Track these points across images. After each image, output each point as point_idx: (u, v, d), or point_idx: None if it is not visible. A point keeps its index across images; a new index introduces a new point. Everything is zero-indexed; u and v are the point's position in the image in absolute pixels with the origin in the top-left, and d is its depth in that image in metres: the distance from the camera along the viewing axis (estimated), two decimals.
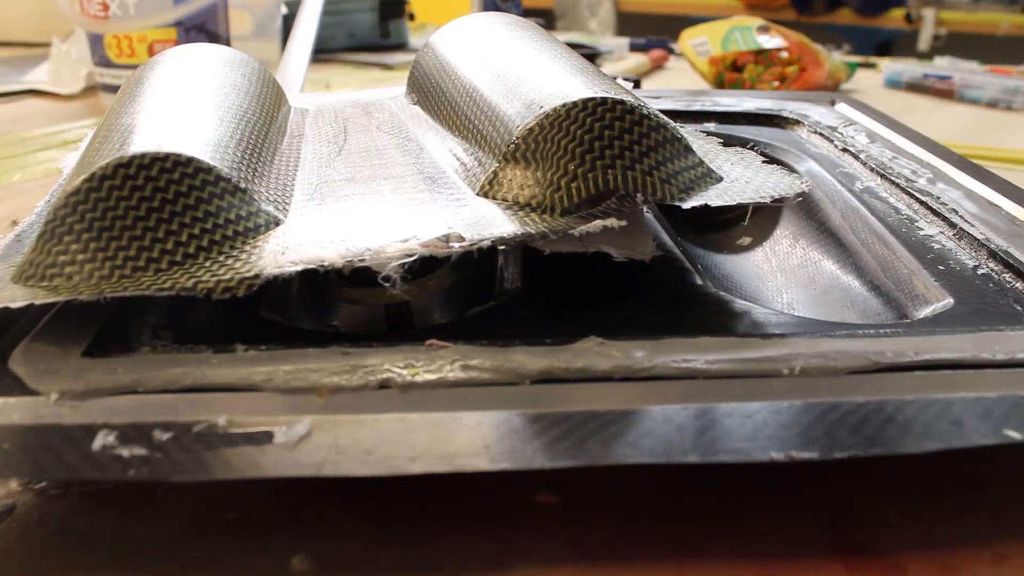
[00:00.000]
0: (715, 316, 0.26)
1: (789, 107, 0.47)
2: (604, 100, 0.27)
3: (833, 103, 0.48)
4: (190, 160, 0.25)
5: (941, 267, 0.29)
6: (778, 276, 0.36)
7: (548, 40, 0.36)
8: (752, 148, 0.42)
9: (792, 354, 0.23)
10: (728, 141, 0.42)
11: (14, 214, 0.43)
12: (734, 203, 0.26)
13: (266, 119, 0.33)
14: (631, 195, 0.26)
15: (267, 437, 0.19)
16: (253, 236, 0.25)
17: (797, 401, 0.21)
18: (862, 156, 0.39)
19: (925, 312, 0.27)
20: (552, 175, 0.26)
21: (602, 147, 0.26)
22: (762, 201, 0.26)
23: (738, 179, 0.28)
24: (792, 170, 0.40)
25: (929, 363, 0.23)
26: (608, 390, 0.21)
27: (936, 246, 0.31)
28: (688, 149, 0.28)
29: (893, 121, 0.44)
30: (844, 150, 0.40)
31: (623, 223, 0.25)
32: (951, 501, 0.22)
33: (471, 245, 0.24)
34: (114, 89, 0.67)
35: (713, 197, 0.26)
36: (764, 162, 0.30)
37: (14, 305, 0.22)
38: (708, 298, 0.28)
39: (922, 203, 0.34)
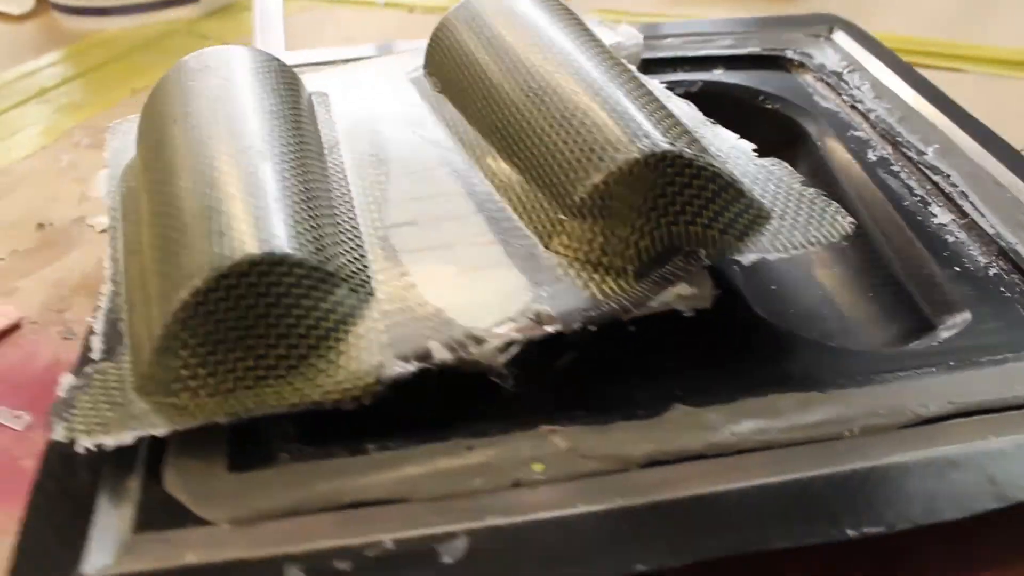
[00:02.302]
0: (762, 351, 0.29)
1: (785, 37, 0.47)
2: (664, 155, 0.28)
3: (831, 30, 0.49)
4: (284, 258, 0.26)
5: (956, 268, 0.32)
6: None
7: (586, 37, 0.35)
8: (763, 101, 0.44)
9: (850, 416, 0.26)
10: (740, 95, 0.43)
11: (31, 211, 0.42)
12: (787, 253, 0.28)
13: (315, 149, 0.33)
14: (696, 252, 0.28)
15: (433, 556, 0.22)
16: (352, 320, 0.27)
17: (858, 465, 0.25)
18: (871, 117, 0.41)
19: (946, 324, 0.31)
20: (619, 232, 0.28)
21: (665, 203, 0.28)
22: (812, 248, 0.29)
23: (785, 215, 0.30)
24: (811, 139, 0.41)
25: (966, 410, 0.26)
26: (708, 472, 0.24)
27: (950, 239, 0.34)
28: (741, 192, 0.29)
29: (896, 61, 0.45)
30: (853, 107, 0.42)
31: (694, 290, 0.27)
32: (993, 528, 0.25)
33: (564, 328, 0.26)
34: (68, 9, 0.63)
35: (768, 247, 0.28)
36: (802, 182, 0.31)
37: (158, 433, 0.24)
38: (745, 317, 0.30)
39: (933, 183, 0.36)
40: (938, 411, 0.26)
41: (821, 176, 0.39)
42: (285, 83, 0.36)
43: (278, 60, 0.37)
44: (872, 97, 0.42)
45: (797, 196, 0.31)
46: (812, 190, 0.31)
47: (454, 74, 0.38)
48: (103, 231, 0.40)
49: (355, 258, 0.29)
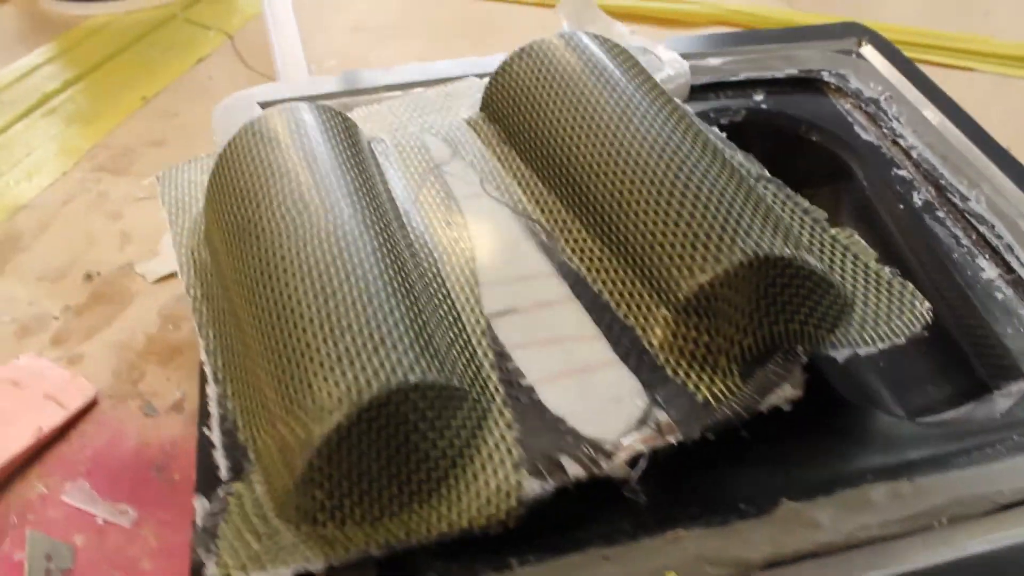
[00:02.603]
0: (847, 432, 0.31)
1: (815, 56, 0.48)
2: (767, 258, 0.29)
3: (860, 43, 0.49)
4: (419, 383, 0.26)
5: (1009, 328, 0.35)
6: None
7: (656, 93, 0.35)
8: (805, 132, 0.45)
9: (938, 507, 0.28)
10: (783, 125, 0.44)
11: (73, 257, 0.41)
12: (875, 347, 0.30)
13: (397, 222, 0.33)
14: (794, 349, 0.29)
15: None
16: (480, 433, 0.28)
17: (950, 557, 0.27)
18: (914, 155, 0.42)
19: (1003, 390, 0.33)
20: (723, 331, 0.29)
21: (767, 304, 0.29)
22: (897, 341, 0.30)
23: (867, 301, 0.31)
24: (855, 176, 0.43)
25: None
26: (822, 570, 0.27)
27: (999, 296, 0.36)
28: (831, 284, 0.30)
29: (930, 85, 0.46)
30: (894, 142, 0.43)
31: (798, 392, 0.29)
32: None
33: (685, 438, 0.27)
34: None
35: (856, 339, 0.30)
36: (876, 259, 0.33)
37: (314, 569, 0.25)
38: (828, 397, 0.32)
39: (979, 233, 0.38)
40: (1013, 498, 0.29)
41: (868, 219, 0.41)
42: (352, 143, 0.35)
43: (341, 116, 0.37)
44: (912, 132, 0.43)
45: (875, 278, 0.32)
46: (887, 270, 0.32)
47: (524, 129, 0.37)
48: (156, 282, 0.39)
49: (468, 358, 0.30)
